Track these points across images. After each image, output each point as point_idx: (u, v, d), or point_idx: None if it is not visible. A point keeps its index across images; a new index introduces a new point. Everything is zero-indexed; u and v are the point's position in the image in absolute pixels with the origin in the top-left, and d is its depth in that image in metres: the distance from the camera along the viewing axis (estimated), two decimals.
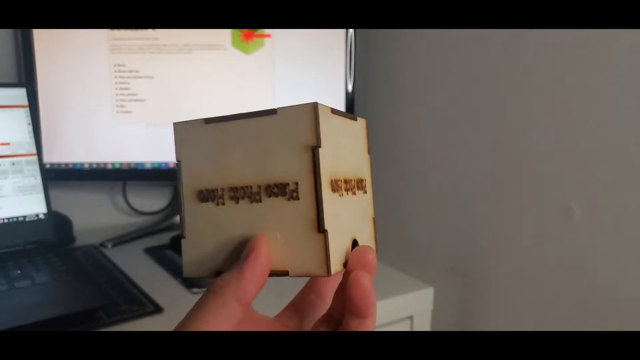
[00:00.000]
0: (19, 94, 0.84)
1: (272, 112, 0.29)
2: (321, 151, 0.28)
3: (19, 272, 0.74)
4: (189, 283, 0.76)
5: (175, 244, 0.91)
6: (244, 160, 0.30)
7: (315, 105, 0.28)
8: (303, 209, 0.29)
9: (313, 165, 0.28)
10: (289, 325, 0.34)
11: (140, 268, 0.82)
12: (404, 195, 0.92)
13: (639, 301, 0.61)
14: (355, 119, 0.34)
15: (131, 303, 0.69)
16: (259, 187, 0.30)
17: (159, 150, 0.93)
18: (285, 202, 0.29)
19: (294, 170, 0.29)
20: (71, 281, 0.73)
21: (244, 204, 0.30)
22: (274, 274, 0.30)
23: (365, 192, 0.35)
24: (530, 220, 0.71)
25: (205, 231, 0.32)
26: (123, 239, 0.94)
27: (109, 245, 0.92)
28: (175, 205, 1.06)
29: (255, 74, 0.92)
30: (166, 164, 0.93)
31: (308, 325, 0.34)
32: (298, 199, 0.29)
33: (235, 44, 0.91)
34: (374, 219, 0.36)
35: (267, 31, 0.91)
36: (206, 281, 0.78)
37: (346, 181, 0.31)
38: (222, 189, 0.31)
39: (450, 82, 0.81)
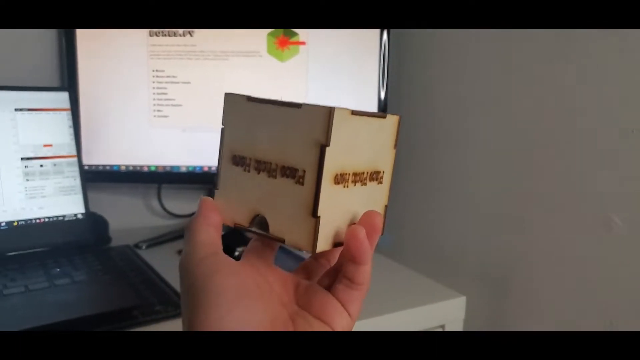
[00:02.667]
0: (62, 98, 0.87)
1: (298, 105, 0.34)
2: (328, 150, 0.33)
3: (58, 270, 0.76)
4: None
5: None
6: (270, 140, 0.35)
7: (331, 110, 0.32)
8: (305, 194, 0.33)
9: (319, 160, 0.33)
10: (300, 277, 0.40)
11: (174, 269, 0.82)
12: (437, 203, 0.92)
13: None
14: (384, 117, 0.37)
15: (165, 303, 0.70)
16: (277, 165, 0.35)
17: (194, 154, 0.94)
18: (293, 184, 0.34)
19: (304, 160, 0.33)
20: (107, 280, 0.75)
21: (263, 176, 0.35)
22: (274, 238, 0.35)
23: (380, 182, 0.39)
24: (569, 230, 0.70)
25: (233, 189, 0.37)
26: (157, 241, 0.96)
27: (144, 247, 0.94)
28: None
29: (289, 81, 0.93)
30: (201, 167, 0.95)
31: (314, 279, 0.39)
32: (303, 184, 0.34)
33: (270, 51, 0.93)
34: (387, 207, 0.40)
35: (302, 38, 0.92)
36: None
37: (356, 174, 0.36)
38: (250, 159, 0.36)
39: (488, 87, 0.81)
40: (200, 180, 0.96)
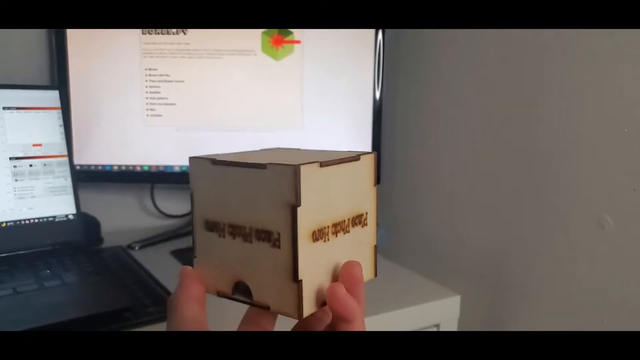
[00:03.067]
0: (52, 96, 0.86)
1: (263, 166, 0.32)
2: (300, 210, 0.31)
3: (48, 272, 0.74)
4: None
5: None
6: (240, 204, 0.34)
7: (296, 169, 0.31)
8: (282, 257, 0.32)
9: (292, 221, 0.31)
10: None
11: (167, 270, 0.82)
12: (432, 202, 0.91)
13: None
14: (357, 159, 0.36)
15: (158, 304, 0.69)
16: (251, 229, 0.33)
17: (188, 154, 0.93)
18: (270, 248, 0.33)
19: (276, 222, 0.32)
20: (99, 282, 0.74)
21: (239, 240, 0.34)
22: (258, 305, 0.34)
23: (364, 225, 0.37)
24: (562, 229, 0.70)
25: (210, 256, 0.36)
26: (150, 241, 0.95)
27: (137, 247, 0.93)
28: None
29: (284, 80, 0.93)
30: None
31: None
32: (279, 247, 0.32)
33: (265, 49, 0.92)
34: (376, 247, 0.39)
35: (297, 37, 0.91)
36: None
37: (335, 225, 0.35)
38: (224, 224, 0.35)
39: (481, 88, 0.80)
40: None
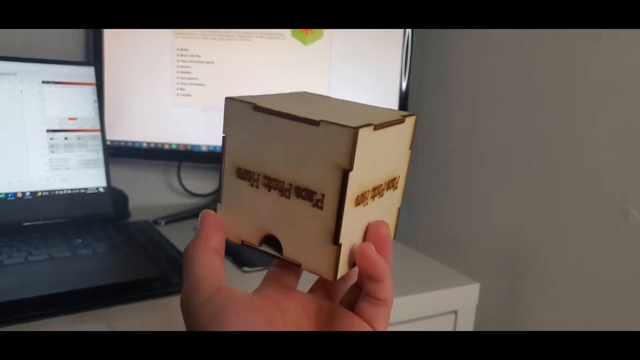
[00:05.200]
0: (88, 72, 0.88)
1: (316, 123, 0.30)
2: (351, 175, 0.30)
3: (80, 240, 0.77)
4: (240, 262, 0.78)
5: None
6: (282, 158, 0.31)
7: (355, 132, 0.29)
8: (324, 219, 0.31)
9: (341, 185, 0.30)
10: (321, 298, 0.37)
11: None
12: (455, 192, 0.92)
13: None
14: (403, 121, 0.34)
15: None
16: (290, 185, 0.31)
17: (216, 133, 0.95)
18: (310, 207, 0.31)
19: (323, 183, 0.30)
20: (128, 252, 0.76)
21: (274, 194, 0.32)
22: (289, 261, 0.33)
23: (395, 188, 0.36)
24: (585, 221, 0.70)
25: (239, 204, 0.34)
26: (175, 218, 0.97)
27: (162, 223, 0.95)
28: None
29: (312, 65, 0.94)
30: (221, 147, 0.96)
31: (337, 298, 0.37)
32: (322, 209, 0.31)
33: (294, 33, 0.93)
34: (399, 209, 0.38)
35: None
36: (256, 260, 0.79)
37: (374, 189, 0.33)
38: (259, 175, 0.32)
39: (506, 82, 0.81)
40: (220, 160, 0.96)
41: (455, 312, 0.80)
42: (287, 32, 0.93)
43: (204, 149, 0.96)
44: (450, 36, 0.93)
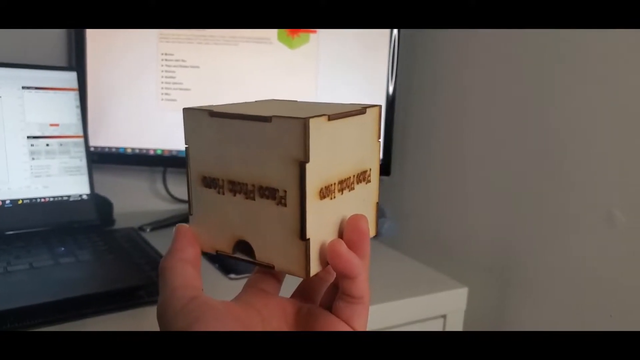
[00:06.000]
0: (70, 77, 0.86)
1: (268, 119, 0.30)
2: (308, 166, 0.30)
3: (62, 249, 0.76)
4: (227, 269, 0.77)
5: None
6: (241, 159, 0.32)
7: (305, 122, 0.29)
8: (289, 216, 0.31)
9: (300, 179, 0.30)
10: (300, 300, 0.37)
11: None
12: (441, 194, 0.92)
13: None
14: (364, 112, 0.34)
15: None
16: (253, 186, 0.32)
17: None
18: (274, 206, 0.31)
19: (283, 179, 0.30)
20: (112, 260, 0.75)
21: (240, 198, 0.32)
22: (261, 265, 0.33)
23: (368, 181, 0.36)
24: (572, 224, 0.70)
25: (209, 213, 0.34)
26: (161, 224, 0.96)
27: (148, 229, 0.94)
28: None
29: (299, 69, 0.93)
30: None
31: (317, 299, 0.37)
32: (285, 205, 0.31)
33: (281, 38, 0.92)
34: (378, 204, 0.38)
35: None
36: (243, 267, 0.79)
37: (341, 182, 0.33)
38: (223, 180, 0.33)
39: (492, 86, 0.81)
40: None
41: (444, 317, 0.80)
42: (273, 37, 0.92)
43: None
44: (437, 39, 0.93)
